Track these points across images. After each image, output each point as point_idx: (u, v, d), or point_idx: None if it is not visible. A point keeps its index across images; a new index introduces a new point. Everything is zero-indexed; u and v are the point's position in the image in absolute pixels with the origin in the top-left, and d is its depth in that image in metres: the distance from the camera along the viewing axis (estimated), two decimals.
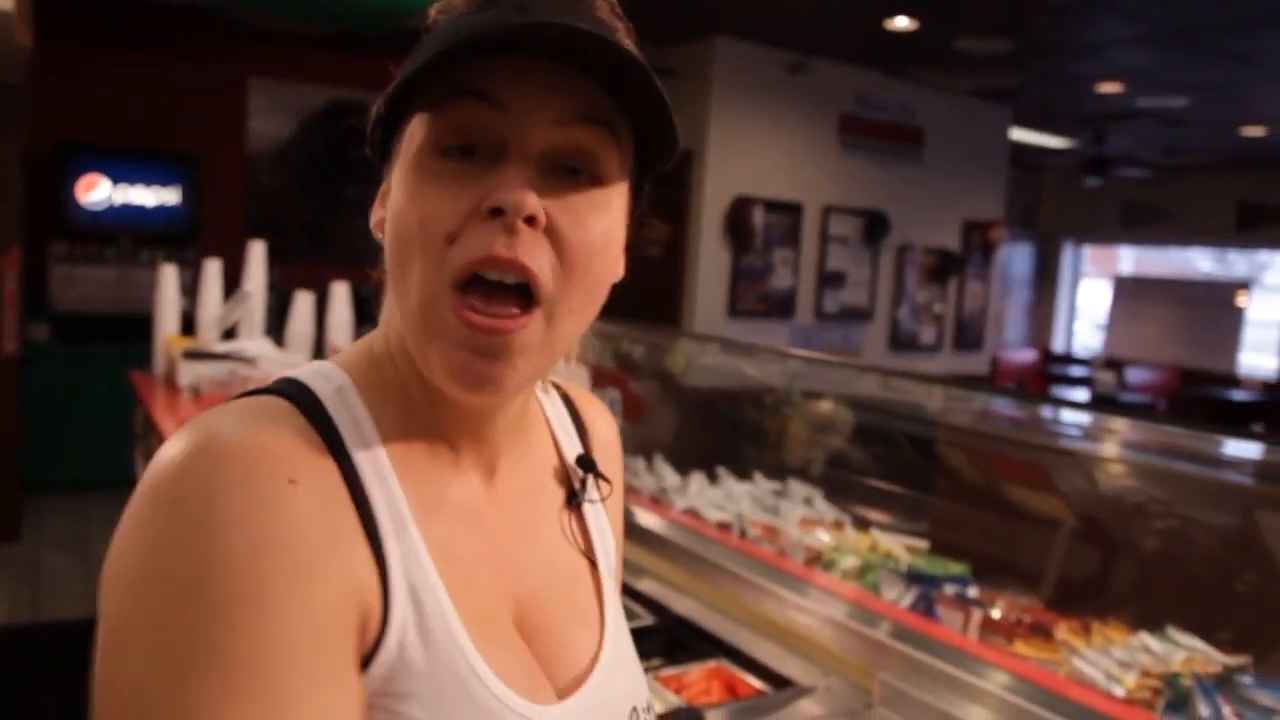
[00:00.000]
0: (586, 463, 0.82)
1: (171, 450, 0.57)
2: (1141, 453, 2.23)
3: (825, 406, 3.12)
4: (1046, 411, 2.59)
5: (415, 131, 0.64)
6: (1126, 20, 5.59)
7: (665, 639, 2.08)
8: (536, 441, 0.80)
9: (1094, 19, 5.62)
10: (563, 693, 0.70)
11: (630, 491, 2.70)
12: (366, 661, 0.58)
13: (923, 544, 2.39)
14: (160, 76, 6.38)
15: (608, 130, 0.64)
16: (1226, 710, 1.58)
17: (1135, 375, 10.37)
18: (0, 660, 3.85)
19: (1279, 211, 9.98)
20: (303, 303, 4.10)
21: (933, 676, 1.66)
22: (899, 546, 2.35)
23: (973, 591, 2.05)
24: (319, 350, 4.03)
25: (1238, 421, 8.69)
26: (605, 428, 0.89)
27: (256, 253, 4.18)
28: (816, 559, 2.29)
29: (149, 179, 6.14)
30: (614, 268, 0.69)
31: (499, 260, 0.60)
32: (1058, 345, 11.97)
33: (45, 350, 5.73)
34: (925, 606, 1.98)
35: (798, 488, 2.88)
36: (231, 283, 4.26)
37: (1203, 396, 9.40)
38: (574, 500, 0.80)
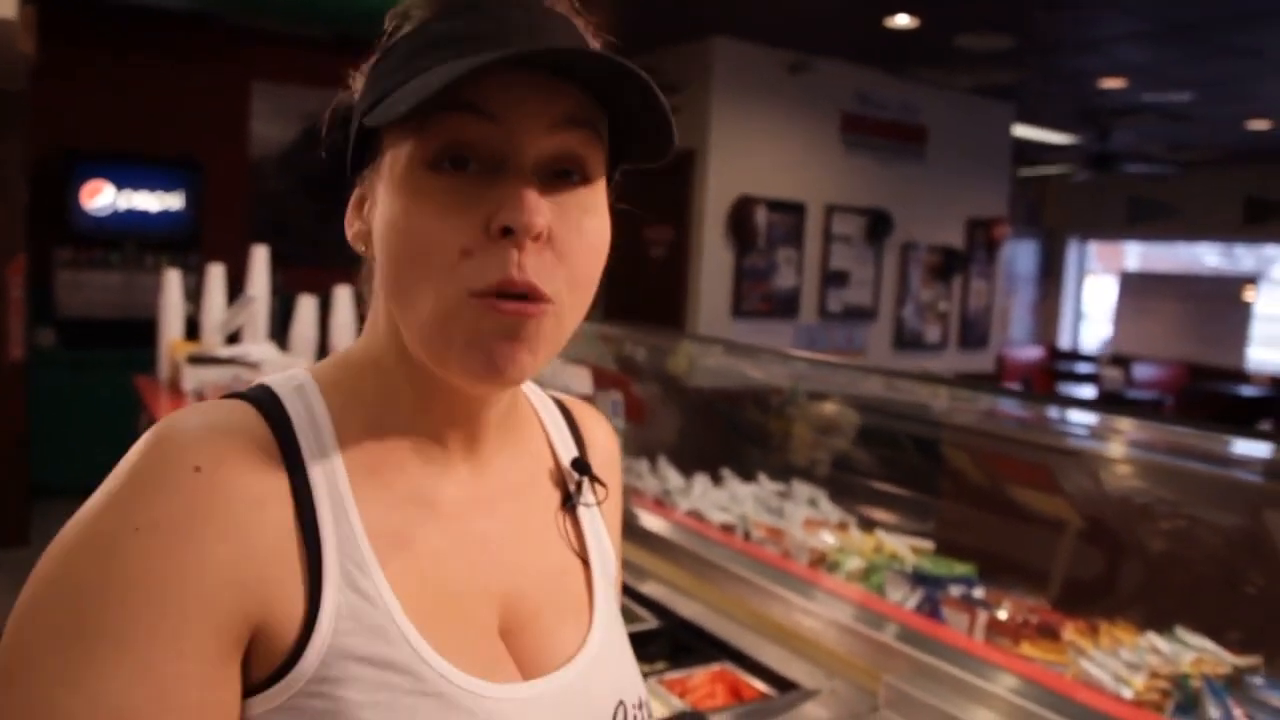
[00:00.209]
0: (581, 466, 0.83)
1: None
2: (1148, 452, 2.22)
3: (829, 407, 3.11)
4: (1052, 411, 2.57)
5: (399, 144, 0.65)
6: (1128, 15, 5.57)
7: (669, 642, 2.07)
8: (531, 445, 0.82)
9: (1095, 15, 5.60)
10: (531, 677, 0.71)
11: (634, 494, 2.69)
12: (300, 649, 0.60)
13: (928, 545, 2.38)
14: (162, 81, 6.39)
15: (593, 130, 0.65)
16: (1237, 712, 1.56)
17: (1142, 371, 10.33)
18: None
19: None
20: (306, 307, 4.10)
21: (938, 679, 1.65)
22: (904, 547, 2.34)
23: (979, 592, 2.04)
24: (322, 354, 4.02)
25: (1246, 416, 8.66)
26: (604, 438, 0.89)
27: (259, 257, 4.18)
28: (821, 560, 2.28)
29: (152, 184, 6.15)
30: (603, 258, 0.70)
31: (513, 284, 0.61)
32: (1064, 342, 11.93)
33: (51, 355, 5.74)
34: (930, 608, 1.97)
35: (802, 489, 2.87)
36: (235, 287, 4.26)
37: (1211, 392, 9.36)
38: (569, 503, 0.81)
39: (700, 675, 1.86)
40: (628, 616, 2.16)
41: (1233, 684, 1.68)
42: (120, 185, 6.02)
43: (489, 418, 0.73)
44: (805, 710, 1.69)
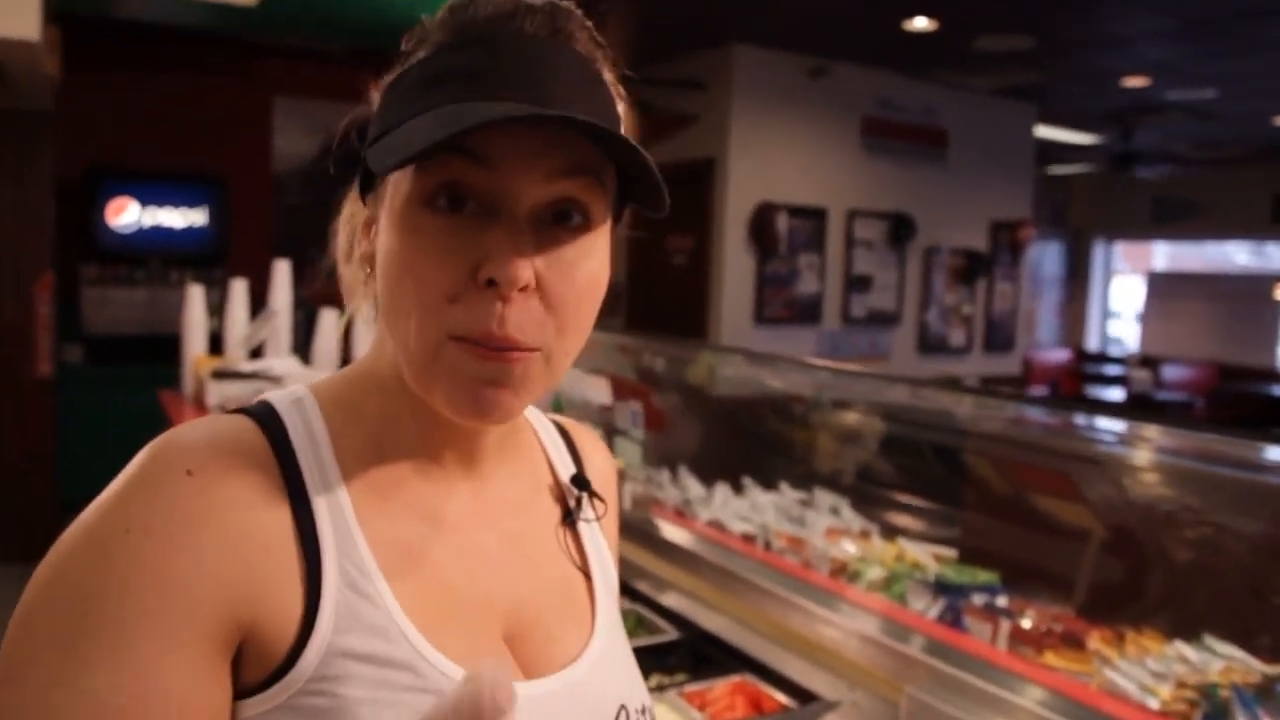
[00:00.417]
0: (581, 482, 0.84)
1: None
2: (1175, 457, 2.19)
3: (851, 415, 3.09)
4: (1076, 417, 2.54)
5: (400, 180, 0.66)
6: (1149, 13, 5.52)
7: (690, 653, 2.06)
8: (530, 462, 0.83)
9: (1116, 13, 5.56)
10: (534, 678, 0.71)
11: (654, 504, 2.68)
12: (299, 649, 0.61)
13: (951, 552, 2.36)
14: (186, 99, 6.45)
15: (594, 177, 0.65)
16: None
17: (1171, 372, 10.21)
18: None
19: None
20: (328, 320, 4.12)
21: (961, 690, 1.62)
22: (927, 555, 2.32)
23: (1002, 600, 2.02)
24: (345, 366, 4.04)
25: (1278, 416, 8.54)
26: (600, 459, 0.90)
27: (281, 271, 4.21)
28: (842, 570, 2.26)
29: (177, 200, 6.20)
30: (599, 301, 0.70)
31: (494, 338, 0.62)
32: (1091, 344, 11.82)
33: (79, 372, 5.79)
34: (953, 617, 1.95)
35: (824, 497, 2.85)
36: (259, 301, 4.29)
37: (1241, 392, 9.24)
38: (569, 518, 0.82)
39: (720, 687, 1.84)
40: (649, 628, 2.15)
41: (1263, 693, 1.65)
42: (145, 202, 6.08)
43: (487, 441, 0.74)
44: None
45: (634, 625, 2.18)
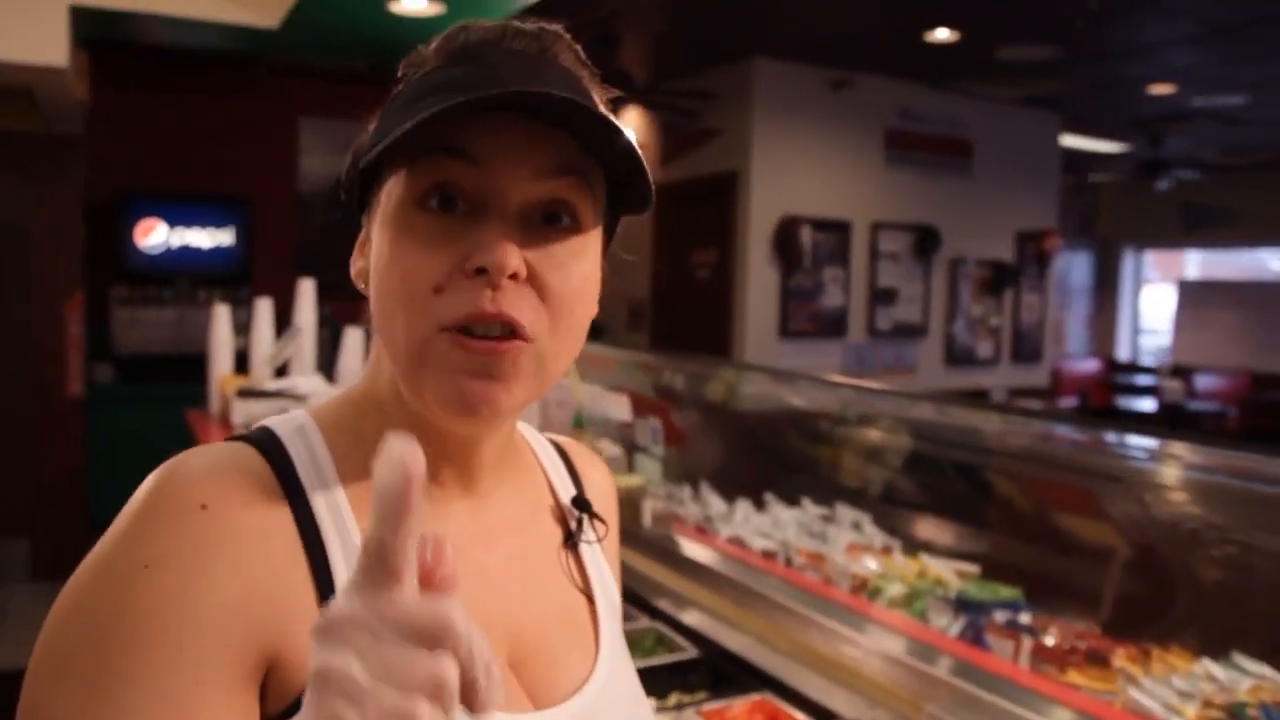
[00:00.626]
0: (582, 503, 0.84)
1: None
2: (1202, 473, 2.15)
3: (875, 431, 3.07)
4: (1102, 433, 2.50)
5: (393, 186, 0.67)
6: (1174, 20, 5.47)
7: (709, 671, 2.05)
8: (529, 483, 0.82)
9: (1140, 21, 5.51)
10: (542, 708, 0.71)
11: (675, 520, 2.67)
12: None
13: (974, 568, 2.33)
14: (212, 120, 6.53)
15: (583, 179, 0.66)
16: None
17: (1204, 382, 10.07)
18: None
19: None
20: (352, 338, 4.14)
21: (982, 709, 1.60)
22: (949, 572, 2.29)
23: (1025, 617, 1.99)
24: None
25: None
26: (599, 478, 0.90)
27: (306, 290, 4.24)
28: (863, 586, 2.24)
29: (204, 221, 6.28)
30: (593, 309, 0.71)
31: (485, 315, 0.62)
32: (1122, 354, 11.68)
33: (109, 391, 5.86)
34: (974, 635, 1.92)
35: (846, 513, 2.83)
36: (285, 320, 4.32)
37: (1275, 402, 9.10)
38: (570, 540, 0.82)
39: (740, 705, 1.83)
40: (669, 646, 2.14)
41: None
42: (173, 223, 6.16)
43: (484, 457, 0.74)
44: None
45: (654, 643, 2.17)
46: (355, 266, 0.75)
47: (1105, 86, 7.18)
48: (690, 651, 2.09)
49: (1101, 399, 10.09)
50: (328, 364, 4.40)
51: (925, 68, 6.93)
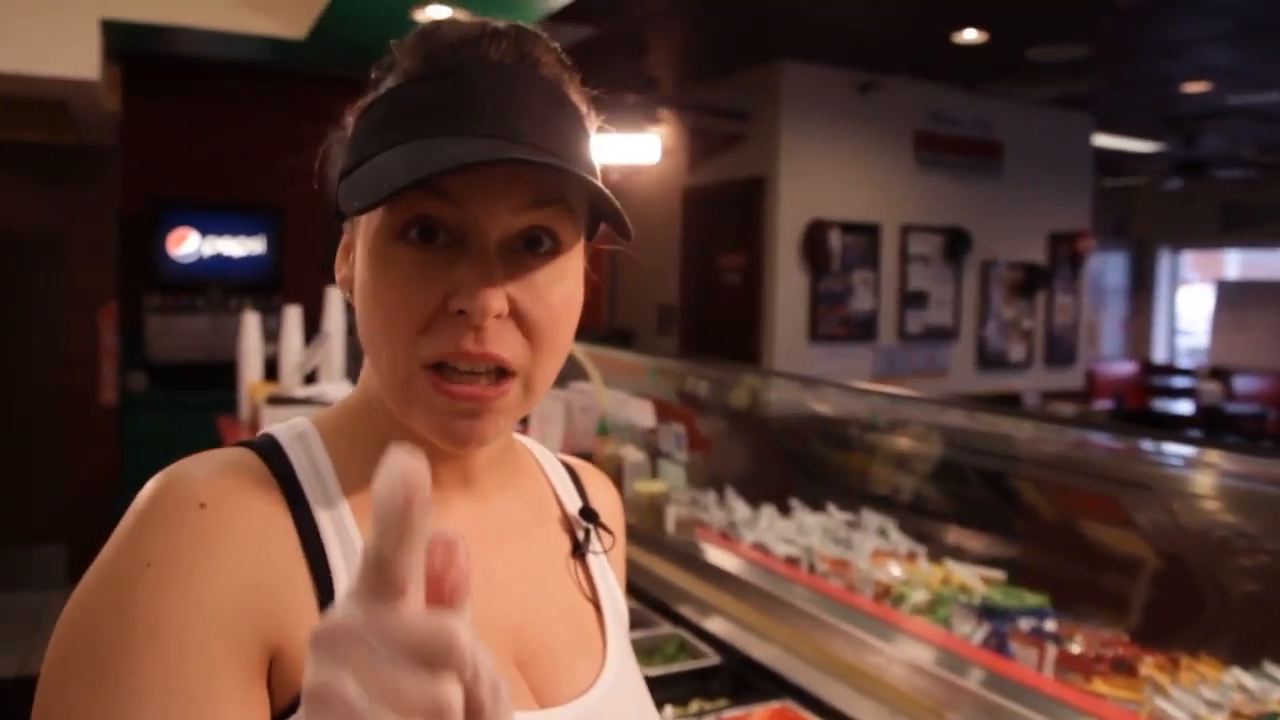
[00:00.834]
0: (589, 514, 0.84)
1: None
2: (1235, 480, 2.11)
3: (901, 437, 3.04)
4: (1133, 440, 2.46)
5: (373, 213, 0.67)
6: (1206, 17, 5.38)
7: (731, 678, 2.03)
8: (534, 490, 0.83)
9: (1171, 18, 5.43)
10: (548, 707, 0.71)
11: (699, 526, 2.66)
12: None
13: (999, 575, 2.30)
14: (243, 130, 6.59)
15: (563, 205, 0.66)
16: None
17: (1243, 384, 9.89)
18: None
19: None
20: None
21: (1005, 718, 1.58)
22: (974, 578, 2.27)
23: (1050, 625, 1.96)
24: None
25: None
26: (606, 494, 0.90)
27: (334, 297, 4.27)
28: (886, 593, 2.22)
29: (235, 230, 6.34)
30: (575, 322, 0.71)
31: (470, 355, 0.64)
32: (1159, 355, 11.51)
33: (143, 399, 5.93)
34: (998, 642, 1.90)
35: (871, 518, 2.81)
36: (315, 328, 4.36)
37: None
38: (578, 550, 0.82)
39: (760, 713, 1.82)
40: (690, 653, 2.13)
41: None
42: (205, 232, 6.22)
43: (479, 459, 0.74)
44: None
45: (676, 650, 2.16)
46: (340, 273, 0.75)
47: (1138, 85, 7.08)
48: (712, 658, 2.08)
49: (1137, 401, 9.94)
50: (356, 370, 4.43)
51: (954, 69, 6.87)
